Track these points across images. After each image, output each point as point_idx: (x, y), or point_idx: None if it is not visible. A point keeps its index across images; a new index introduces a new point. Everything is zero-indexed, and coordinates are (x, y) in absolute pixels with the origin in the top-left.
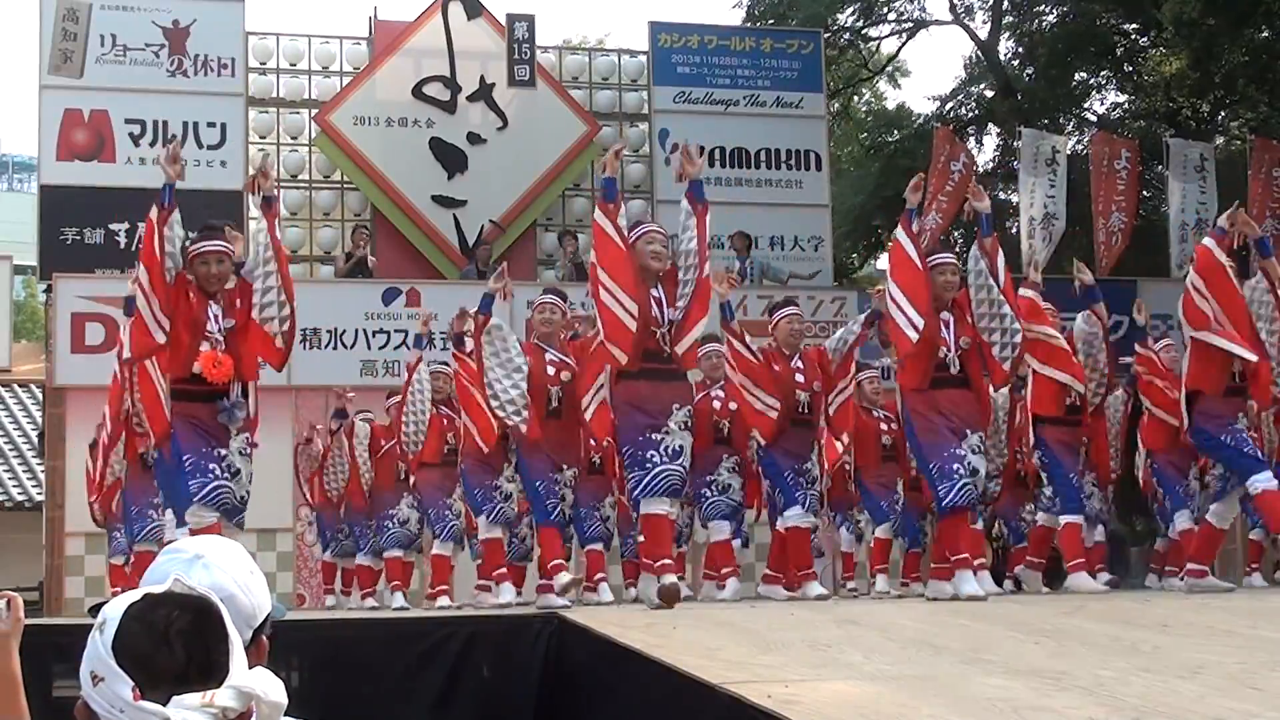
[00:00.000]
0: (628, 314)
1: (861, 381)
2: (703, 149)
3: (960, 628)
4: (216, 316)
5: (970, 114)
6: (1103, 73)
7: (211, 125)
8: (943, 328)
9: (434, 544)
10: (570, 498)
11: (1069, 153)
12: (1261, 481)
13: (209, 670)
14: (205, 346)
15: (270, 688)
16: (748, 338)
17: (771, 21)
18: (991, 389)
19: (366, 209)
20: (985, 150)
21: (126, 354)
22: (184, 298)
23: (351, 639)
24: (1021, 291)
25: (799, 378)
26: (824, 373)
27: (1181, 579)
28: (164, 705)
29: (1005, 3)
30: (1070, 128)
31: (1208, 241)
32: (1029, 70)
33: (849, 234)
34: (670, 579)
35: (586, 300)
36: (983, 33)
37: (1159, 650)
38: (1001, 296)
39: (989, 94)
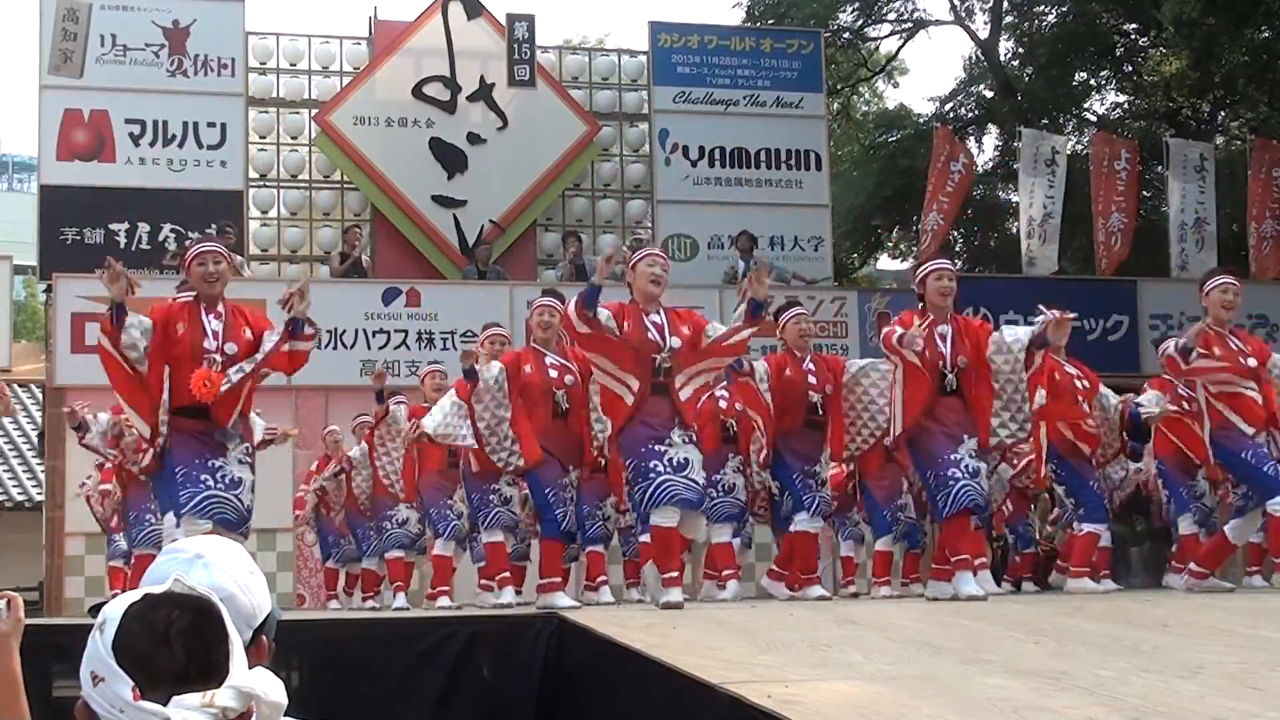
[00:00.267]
0: (627, 389)
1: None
2: (703, 149)
3: (960, 628)
4: (216, 334)
5: (970, 114)
6: (1103, 73)
7: (211, 125)
8: (939, 342)
9: (436, 544)
10: (574, 496)
11: (1069, 153)
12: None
13: (209, 670)
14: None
15: (270, 688)
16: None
17: (771, 21)
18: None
19: (366, 209)
20: (985, 150)
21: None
22: (171, 332)
23: (351, 639)
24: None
25: (811, 379)
26: (836, 377)
27: (1182, 579)
28: (164, 705)
29: (1005, 3)
30: (1070, 128)
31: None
32: (1029, 70)
33: (849, 234)
34: (675, 597)
35: None
36: (983, 33)
37: (1159, 650)
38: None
39: (989, 94)
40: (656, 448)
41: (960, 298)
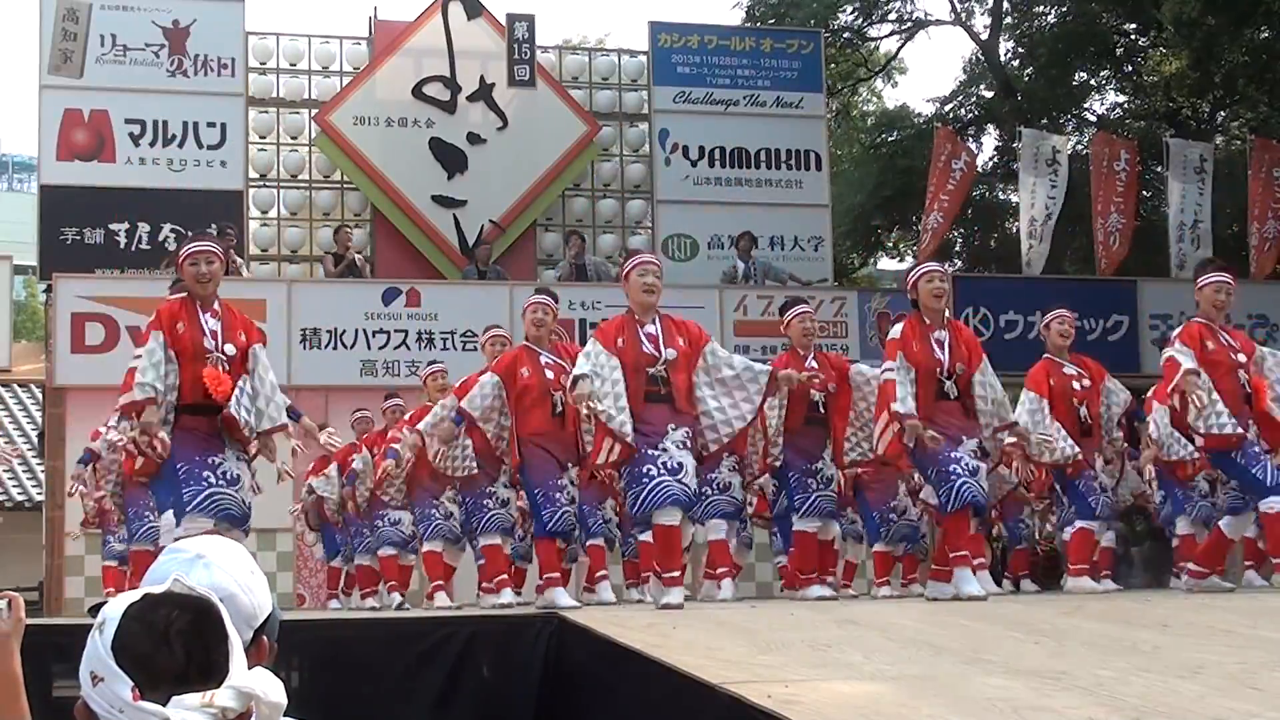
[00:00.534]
0: (619, 423)
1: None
2: (703, 149)
3: (960, 628)
4: (215, 333)
5: (970, 114)
6: (1103, 73)
7: (211, 125)
8: (936, 348)
9: (423, 544)
10: (575, 494)
11: (1069, 153)
12: (1275, 502)
13: (209, 670)
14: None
15: (270, 688)
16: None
17: (772, 21)
18: None
19: (366, 209)
20: (985, 150)
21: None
22: (175, 330)
23: (351, 639)
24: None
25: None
26: (841, 376)
27: (1180, 578)
28: (164, 705)
29: (1005, 3)
30: (1070, 128)
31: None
32: (1029, 70)
33: (849, 234)
34: (675, 598)
35: (587, 301)
36: (983, 33)
37: (1159, 650)
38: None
39: (989, 94)
40: (650, 452)
41: (960, 298)
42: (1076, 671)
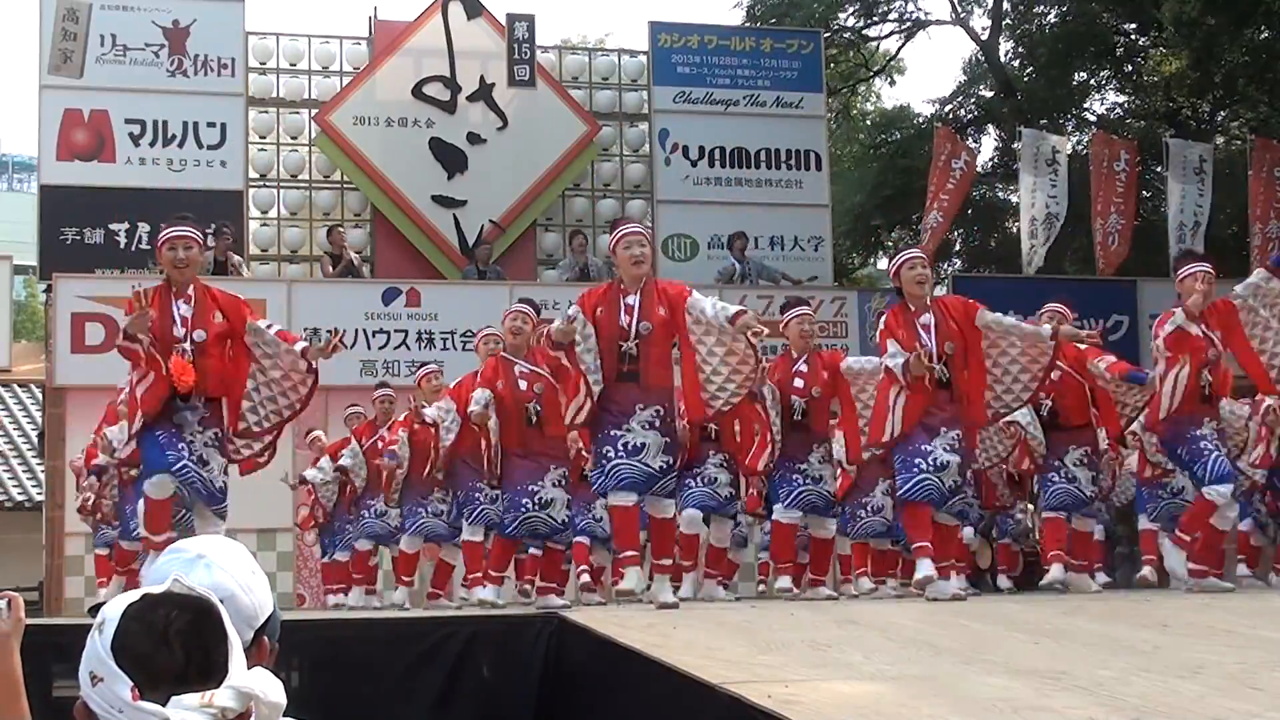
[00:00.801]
0: (586, 389)
1: None
2: (703, 149)
3: (960, 628)
4: (185, 320)
5: (970, 114)
6: (1103, 73)
7: (211, 125)
8: (922, 333)
9: (402, 540)
10: (556, 498)
11: (1069, 152)
12: (1213, 493)
13: (208, 670)
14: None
15: (269, 688)
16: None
17: (772, 21)
18: None
19: (366, 209)
20: (985, 150)
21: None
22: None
23: (351, 639)
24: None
25: (798, 382)
26: (833, 373)
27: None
28: (163, 705)
29: (1005, 3)
30: (1070, 128)
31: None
32: (1029, 70)
33: (849, 234)
34: (630, 581)
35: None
36: (983, 33)
37: (1159, 650)
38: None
39: (989, 94)
40: (614, 433)
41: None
42: (1076, 671)
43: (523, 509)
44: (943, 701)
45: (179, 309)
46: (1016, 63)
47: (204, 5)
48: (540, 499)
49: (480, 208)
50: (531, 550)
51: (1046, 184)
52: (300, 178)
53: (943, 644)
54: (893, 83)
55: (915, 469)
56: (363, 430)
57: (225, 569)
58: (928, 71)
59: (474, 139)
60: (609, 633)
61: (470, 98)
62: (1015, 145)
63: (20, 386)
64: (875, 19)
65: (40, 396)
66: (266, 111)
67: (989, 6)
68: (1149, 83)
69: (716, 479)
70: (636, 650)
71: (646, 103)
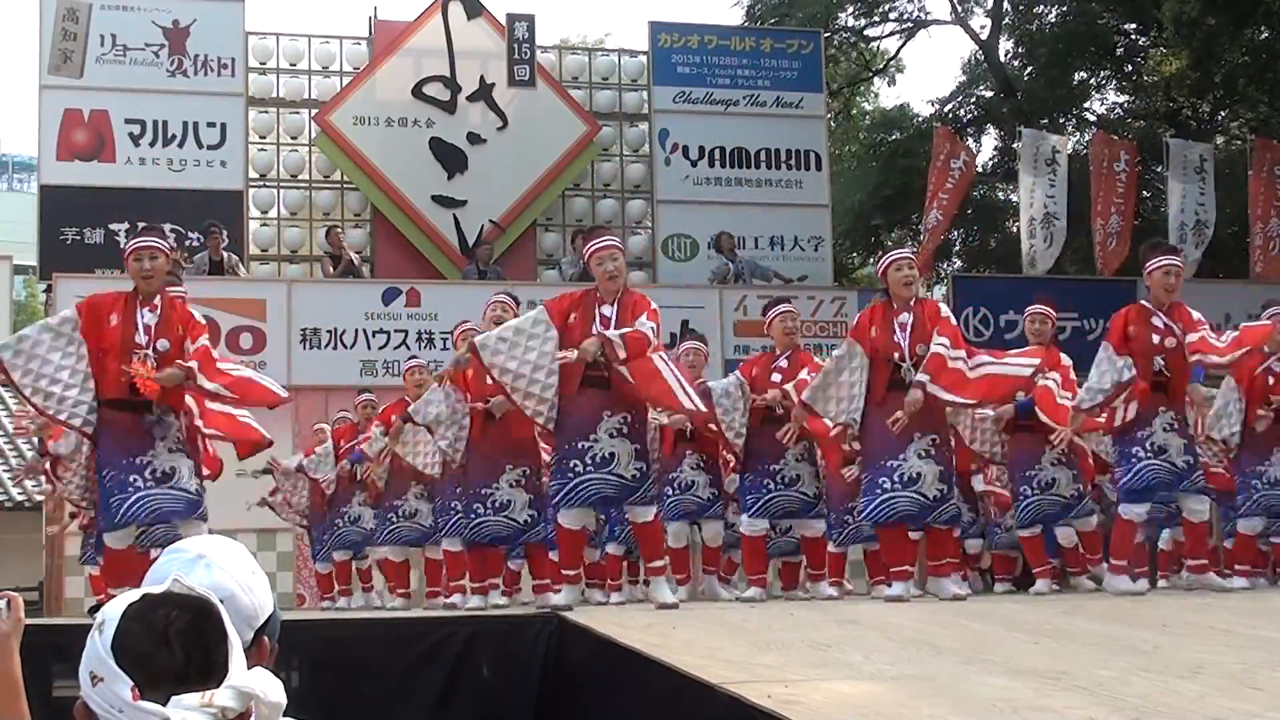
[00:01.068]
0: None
1: None
2: (703, 149)
3: (960, 628)
4: (149, 328)
5: (970, 114)
6: (1103, 73)
7: (211, 125)
8: (897, 330)
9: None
10: (515, 499)
11: (1069, 152)
12: (1122, 510)
13: (208, 670)
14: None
15: (269, 688)
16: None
17: (772, 21)
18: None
19: (366, 209)
20: (985, 150)
21: None
22: (104, 322)
23: (351, 639)
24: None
25: (775, 377)
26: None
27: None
28: (163, 705)
29: (1005, 3)
30: (1070, 128)
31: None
32: (1029, 70)
33: (849, 234)
34: (564, 597)
35: None
36: (983, 33)
37: (1159, 650)
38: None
39: (989, 94)
40: (580, 445)
41: (960, 298)
42: (1076, 671)
43: (475, 514)
44: (943, 701)
45: (143, 317)
46: (1016, 62)
47: (204, 5)
48: (495, 502)
49: (480, 208)
50: (509, 565)
51: (1046, 184)
52: (300, 178)
53: (943, 644)
54: (892, 82)
55: (879, 490)
56: (343, 433)
57: (225, 569)
58: (928, 71)
59: (474, 139)
60: (609, 633)
61: (470, 98)
62: (1015, 145)
63: None
64: (875, 19)
65: None
66: (266, 111)
67: (989, 6)
68: (1149, 83)
69: (694, 483)
70: (636, 650)
71: (646, 103)
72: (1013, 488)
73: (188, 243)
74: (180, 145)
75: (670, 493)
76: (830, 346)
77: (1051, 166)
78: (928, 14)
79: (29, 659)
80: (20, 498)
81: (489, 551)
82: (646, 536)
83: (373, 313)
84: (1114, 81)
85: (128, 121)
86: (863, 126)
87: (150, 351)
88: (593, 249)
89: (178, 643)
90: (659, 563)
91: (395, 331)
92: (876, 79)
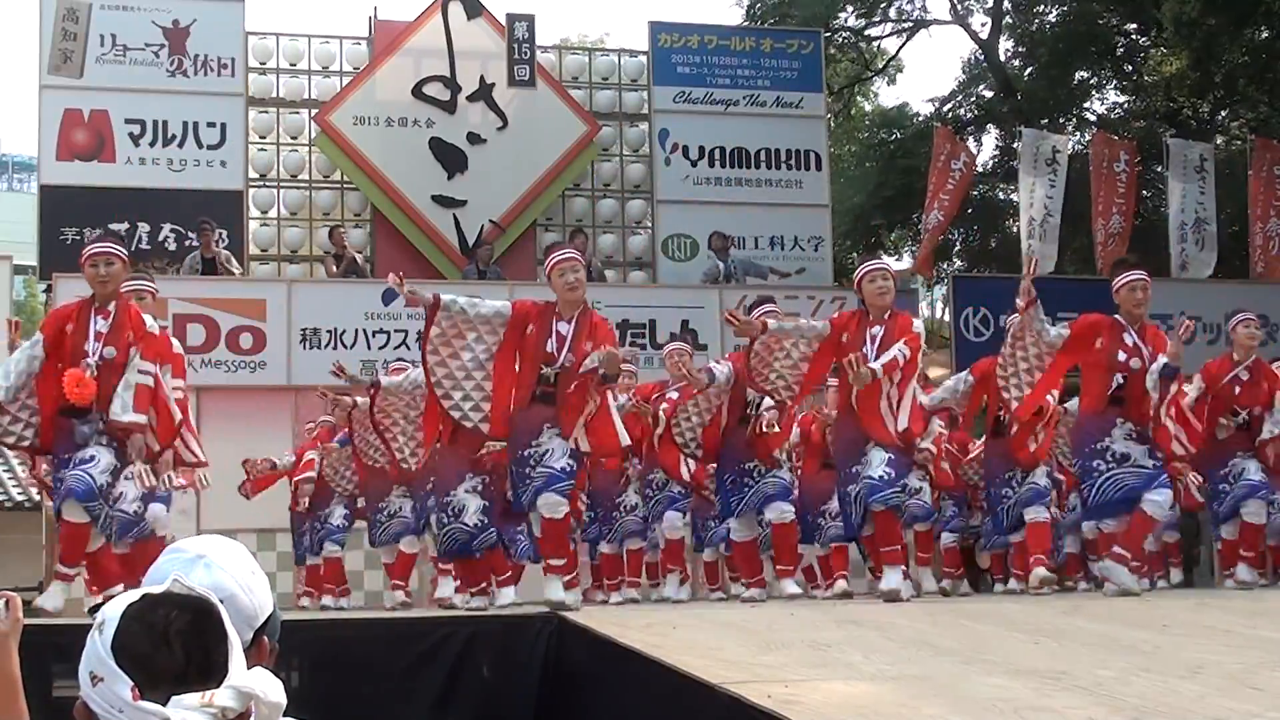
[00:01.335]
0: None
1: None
2: (703, 149)
3: (960, 628)
4: (99, 335)
5: (970, 114)
6: (1103, 73)
7: (211, 125)
8: (868, 342)
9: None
10: (468, 504)
11: (1069, 152)
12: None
13: (208, 670)
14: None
15: (269, 688)
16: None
17: (772, 21)
18: None
19: (366, 209)
20: (985, 150)
21: None
22: (63, 332)
23: (351, 639)
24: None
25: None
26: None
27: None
28: (163, 705)
29: (1005, 3)
30: (1070, 128)
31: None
32: (1029, 70)
33: (849, 234)
34: (563, 596)
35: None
36: (983, 33)
37: (1159, 650)
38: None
39: (989, 94)
40: (524, 453)
41: (960, 298)
42: (1076, 671)
43: (442, 524)
44: (943, 701)
45: (95, 324)
46: (1016, 62)
47: (204, 5)
48: (453, 507)
49: (480, 208)
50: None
51: (1046, 184)
52: (300, 178)
53: (943, 644)
54: (892, 82)
55: (846, 502)
56: (323, 435)
57: (225, 569)
58: (927, 71)
59: (474, 139)
60: (609, 633)
61: (470, 98)
62: (1015, 145)
63: None
64: (875, 19)
65: None
66: (266, 111)
67: (989, 6)
68: (1149, 83)
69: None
70: (636, 650)
71: (646, 103)
72: (993, 492)
73: (187, 243)
74: (180, 145)
75: (650, 493)
76: None
77: (1052, 166)
78: (927, 14)
79: (29, 659)
80: (20, 498)
81: (468, 558)
82: (550, 532)
83: (373, 313)
84: (1114, 81)
85: (128, 121)
86: (863, 126)
87: (95, 359)
88: (554, 261)
89: (178, 643)
90: (558, 561)
91: (395, 331)
92: (876, 79)
